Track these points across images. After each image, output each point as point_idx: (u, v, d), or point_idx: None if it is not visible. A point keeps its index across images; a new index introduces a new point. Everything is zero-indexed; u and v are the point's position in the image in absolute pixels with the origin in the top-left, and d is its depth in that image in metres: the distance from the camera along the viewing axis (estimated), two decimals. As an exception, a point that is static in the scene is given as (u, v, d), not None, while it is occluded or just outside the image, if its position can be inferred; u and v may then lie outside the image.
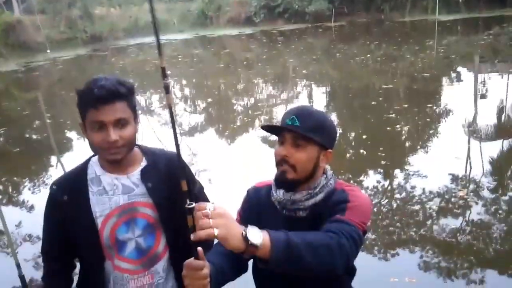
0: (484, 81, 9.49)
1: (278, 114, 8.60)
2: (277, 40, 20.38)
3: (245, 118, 8.54)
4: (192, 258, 1.12)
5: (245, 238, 1.03)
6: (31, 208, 5.25)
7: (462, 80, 9.91)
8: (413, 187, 4.72)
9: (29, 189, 5.90)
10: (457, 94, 8.44)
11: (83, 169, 1.53)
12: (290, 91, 10.77)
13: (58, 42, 22.94)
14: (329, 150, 1.38)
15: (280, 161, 1.34)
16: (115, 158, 1.43)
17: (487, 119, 6.80)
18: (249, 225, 1.07)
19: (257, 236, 1.05)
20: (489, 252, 3.53)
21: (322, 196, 1.36)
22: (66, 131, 8.77)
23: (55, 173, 6.47)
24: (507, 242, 3.65)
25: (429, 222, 4.04)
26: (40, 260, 3.89)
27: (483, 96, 8.37)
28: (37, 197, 5.57)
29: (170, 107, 1.03)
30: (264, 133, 7.26)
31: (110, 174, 1.50)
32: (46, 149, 7.82)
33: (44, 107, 11.41)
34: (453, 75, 10.54)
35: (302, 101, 9.79)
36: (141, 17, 28.46)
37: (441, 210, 4.20)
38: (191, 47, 21.96)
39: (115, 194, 1.49)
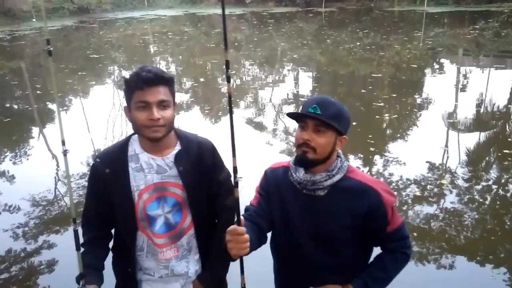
0: (466, 75, 9.67)
1: (268, 97, 8.63)
2: (268, 22, 20.24)
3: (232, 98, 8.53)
4: (235, 225, 1.30)
5: None
6: (11, 178, 5.23)
7: (445, 73, 10.06)
8: (392, 174, 4.85)
9: (10, 159, 5.85)
10: (443, 86, 8.59)
11: (124, 145, 1.67)
12: (280, 75, 10.77)
13: (45, 11, 22.34)
14: (344, 136, 1.54)
15: (302, 144, 1.49)
16: (156, 136, 1.56)
17: (468, 112, 6.97)
18: None
19: None
20: (460, 239, 3.67)
21: (339, 177, 1.53)
22: (48, 102, 8.67)
23: (37, 144, 6.43)
24: (477, 230, 3.80)
25: (404, 208, 4.18)
26: (18, 230, 3.96)
27: (468, 89, 8.53)
28: (18, 167, 5.55)
29: (229, 95, 1.18)
30: (250, 115, 7.31)
31: (147, 153, 1.64)
32: (32, 119, 7.73)
33: (28, 77, 11.21)
34: (439, 67, 10.69)
35: (292, 84, 9.83)
36: (130, -10, 27.88)
37: (416, 197, 4.35)
38: (181, 24, 21.64)
39: (150, 173, 1.63)
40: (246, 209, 1.60)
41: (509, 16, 17.83)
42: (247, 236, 1.30)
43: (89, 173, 1.71)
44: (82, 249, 1.66)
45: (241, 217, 1.31)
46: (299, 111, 1.53)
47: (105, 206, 1.65)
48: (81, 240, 1.68)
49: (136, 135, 1.67)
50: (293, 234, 1.59)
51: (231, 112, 1.21)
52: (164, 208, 1.66)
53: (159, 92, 1.53)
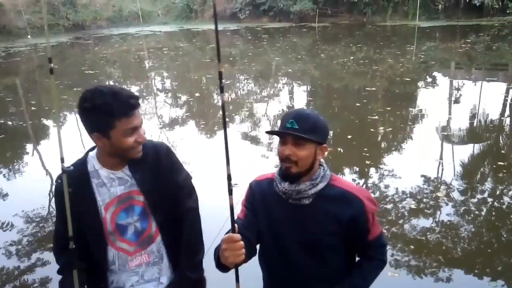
0: (458, 87, 9.76)
1: (264, 111, 8.67)
2: (262, 37, 20.43)
3: (227, 113, 8.55)
4: (230, 233, 1.30)
5: None
6: (5, 196, 5.18)
7: (438, 86, 10.17)
8: (388, 186, 4.85)
9: (4, 176, 5.81)
10: (437, 99, 8.66)
11: (83, 163, 1.65)
12: (275, 89, 10.84)
13: (40, 28, 22.44)
14: (324, 145, 1.59)
15: (284, 159, 1.53)
16: (140, 155, 1.61)
17: (462, 124, 7.02)
18: None
19: None
20: (456, 252, 3.66)
21: (323, 185, 1.57)
22: (42, 118, 8.65)
23: (31, 160, 6.38)
24: (474, 242, 3.80)
25: (401, 221, 4.17)
26: (11, 248, 3.90)
27: (462, 102, 8.60)
28: (11, 184, 5.50)
29: (223, 104, 1.20)
30: (245, 129, 7.32)
31: (106, 169, 1.64)
32: (26, 136, 7.70)
33: (23, 93, 11.19)
34: (432, 80, 10.79)
35: (287, 98, 9.88)
36: (125, 6, 28.11)
37: (412, 210, 4.34)
38: (176, 40, 21.79)
39: (112, 186, 1.64)
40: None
41: (500, 30, 18.10)
42: (242, 243, 1.31)
43: (54, 197, 1.67)
44: (61, 276, 1.64)
45: (236, 225, 1.31)
46: (278, 127, 1.58)
47: (76, 227, 1.59)
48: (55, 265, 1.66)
49: (93, 152, 1.66)
50: (282, 243, 1.61)
51: (224, 121, 1.23)
52: (133, 217, 1.67)
53: (140, 114, 1.55)
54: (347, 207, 1.55)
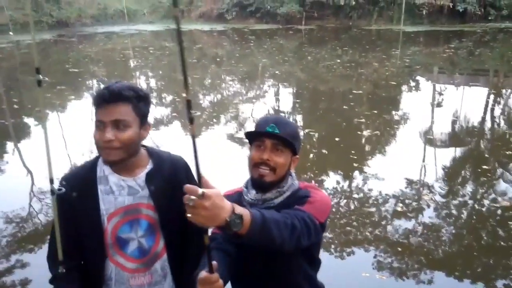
0: (440, 91, 9.91)
1: (248, 112, 8.65)
2: (249, 39, 20.44)
3: (214, 114, 8.53)
4: (205, 272, 1.18)
5: (228, 225, 1.11)
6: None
7: (422, 89, 10.31)
8: (371, 189, 4.89)
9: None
10: (422, 103, 8.79)
11: (92, 166, 1.56)
12: (261, 90, 10.83)
13: (22, 24, 22.04)
14: (297, 156, 1.55)
15: (259, 164, 1.47)
16: (109, 159, 1.47)
17: (445, 128, 7.13)
18: (233, 211, 1.13)
19: (239, 224, 1.13)
20: (438, 254, 3.71)
21: (289, 193, 1.52)
22: (24, 116, 8.49)
23: (11, 159, 6.26)
24: (456, 244, 3.85)
25: (383, 223, 4.20)
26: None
27: (446, 106, 8.73)
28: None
29: (193, 137, 1.07)
30: (231, 131, 7.30)
31: (117, 175, 1.54)
32: (7, 134, 7.55)
33: (4, 91, 10.97)
34: (417, 84, 10.93)
35: (273, 100, 9.88)
36: (111, 4, 27.81)
37: (395, 212, 4.38)
38: (162, 39, 21.64)
39: (120, 195, 1.53)
40: (213, 238, 1.54)
41: (482, 36, 18.46)
42: (220, 282, 1.22)
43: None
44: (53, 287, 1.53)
45: (214, 263, 1.20)
46: (256, 131, 1.52)
47: (74, 234, 1.51)
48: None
49: None
50: (251, 254, 1.54)
51: (195, 152, 1.06)
52: (137, 232, 1.56)
53: (115, 111, 1.43)
54: (297, 197, 1.50)
